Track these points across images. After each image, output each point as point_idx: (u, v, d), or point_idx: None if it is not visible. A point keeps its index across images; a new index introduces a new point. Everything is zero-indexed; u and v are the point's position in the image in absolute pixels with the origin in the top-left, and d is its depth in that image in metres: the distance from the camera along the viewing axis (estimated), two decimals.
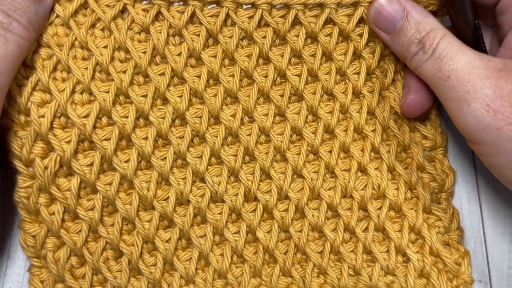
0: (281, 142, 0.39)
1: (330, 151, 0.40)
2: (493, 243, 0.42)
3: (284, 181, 0.39)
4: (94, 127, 0.37)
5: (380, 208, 0.40)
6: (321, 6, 0.39)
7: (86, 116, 0.36)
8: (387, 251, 0.39)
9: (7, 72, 0.33)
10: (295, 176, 0.40)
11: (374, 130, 0.40)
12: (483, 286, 0.42)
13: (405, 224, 0.40)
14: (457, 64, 0.35)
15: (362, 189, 0.40)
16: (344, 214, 0.39)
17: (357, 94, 0.40)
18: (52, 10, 0.36)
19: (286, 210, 0.39)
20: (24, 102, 0.36)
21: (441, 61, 0.35)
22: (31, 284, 0.37)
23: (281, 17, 0.39)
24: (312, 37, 0.39)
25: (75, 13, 0.36)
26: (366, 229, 0.40)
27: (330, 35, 0.39)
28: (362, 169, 0.40)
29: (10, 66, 0.33)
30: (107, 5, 0.37)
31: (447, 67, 0.35)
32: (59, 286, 0.37)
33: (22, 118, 0.36)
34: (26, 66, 0.36)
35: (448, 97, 0.36)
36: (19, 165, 0.36)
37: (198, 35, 0.38)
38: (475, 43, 0.38)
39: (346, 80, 0.40)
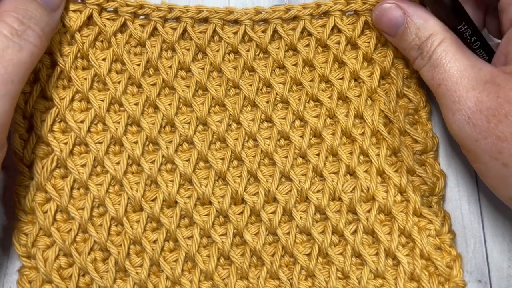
0: (268, 146, 0.40)
1: (318, 154, 0.40)
2: (493, 243, 0.41)
3: (271, 184, 0.40)
4: (89, 131, 0.40)
5: (369, 211, 0.39)
6: (297, 19, 0.42)
7: (83, 122, 0.40)
8: (377, 254, 0.39)
9: (20, 80, 0.34)
10: (283, 179, 0.40)
11: (362, 134, 0.41)
12: (483, 286, 0.40)
13: (395, 227, 0.39)
14: (448, 72, 0.36)
15: (351, 192, 0.40)
16: (332, 216, 0.39)
17: (343, 98, 0.41)
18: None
19: (273, 212, 0.39)
20: (29, 109, 0.39)
21: (434, 68, 0.37)
22: (19, 284, 0.38)
23: (262, 31, 0.42)
24: (292, 49, 0.42)
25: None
26: (355, 232, 0.39)
27: (308, 45, 0.42)
28: (351, 172, 0.40)
29: (23, 74, 0.35)
30: (108, 19, 0.41)
31: (439, 75, 0.36)
32: (46, 287, 0.38)
33: (26, 122, 0.40)
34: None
35: (440, 103, 0.37)
36: (20, 165, 0.39)
37: (188, 49, 0.41)
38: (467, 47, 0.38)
39: (332, 86, 0.42)
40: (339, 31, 0.42)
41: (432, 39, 0.37)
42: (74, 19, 0.40)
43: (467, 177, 0.43)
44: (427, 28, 0.37)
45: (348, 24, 0.42)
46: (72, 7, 0.40)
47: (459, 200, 0.42)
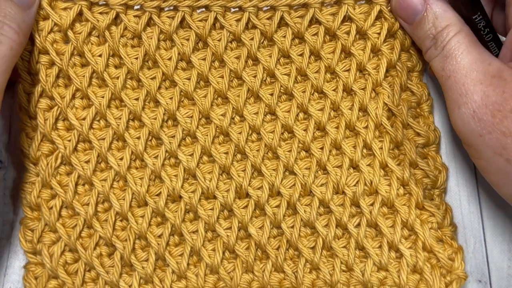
0: (272, 140, 0.40)
1: (322, 148, 0.40)
2: (493, 243, 0.42)
3: (275, 178, 0.40)
4: (92, 128, 0.40)
5: (372, 204, 0.40)
6: (306, 6, 0.40)
7: (85, 119, 0.39)
8: (380, 246, 0.39)
9: (2, 73, 0.35)
10: (287, 173, 0.40)
11: (366, 127, 0.40)
12: (483, 286, 0.41)
13: (397, 220, 0.39)
14: (459, 64, 0.36)
15: (354, 185, 0.40)
16: (336, 210, 0.39)
17: (348, 91, 0.41)
18: (48, 18, 0.39)
19: (278, 206, 0.40)
20: (32, 109, 0.39)
21: (446, 59, 0.36)
22: (25, 280, 0.39)
23: (267, 19, 0.40)
24: (299, 37, 0.41)
25: (72, 21, 0.39)
26: (358, 225, 0.40)
27: (316, 34, 0.40)
28: (354, 166, 0.40)
29: (5, 67, 0.35)
30: (100, 13, 0.39)
31: (450, 66, 0.36)
32: (52, 283, 0.39)
33: (33, 122, 0.39)
34: (31, 73, 0.39)
35: (447, 96, 0.37)
36: (27, 163, 0.39)
37: (188, 40, 0.40)
38: (479, 39, 0.37)
39: (337, 77, 0.41)
40: (349, 20, 0.40)
41: (448, 29, 0.36)
42: (65, 17, 0.39)
43: (467, 177, 0.43)
44: (445, 18, 0.37)
45: (360, 14, 0.40)
46: (61, 5, 0.39)
47: (459, 200, 0.43)
